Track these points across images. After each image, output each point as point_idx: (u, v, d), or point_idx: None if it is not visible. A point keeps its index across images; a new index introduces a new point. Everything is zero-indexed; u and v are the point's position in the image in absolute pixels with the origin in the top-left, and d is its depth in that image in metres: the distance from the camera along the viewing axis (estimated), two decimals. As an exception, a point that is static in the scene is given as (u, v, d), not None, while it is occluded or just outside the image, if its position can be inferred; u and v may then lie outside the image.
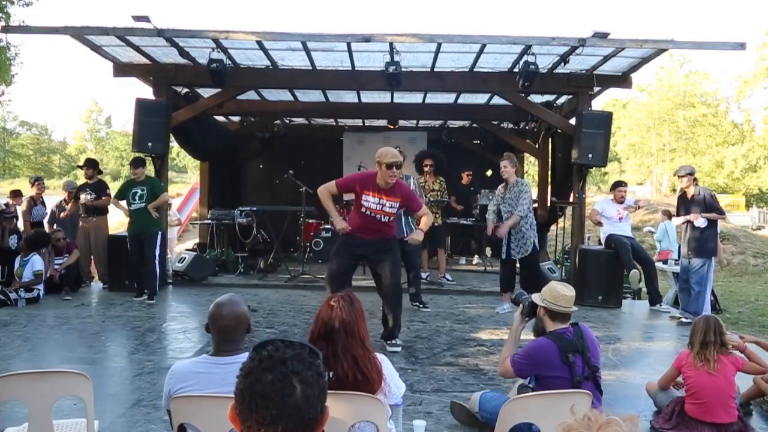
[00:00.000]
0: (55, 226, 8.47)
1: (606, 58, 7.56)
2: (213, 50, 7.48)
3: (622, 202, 7.62)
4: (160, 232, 7.48)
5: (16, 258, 7.45)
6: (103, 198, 8.19)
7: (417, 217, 5.45)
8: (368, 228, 5.10)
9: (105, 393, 4.04)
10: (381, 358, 2.53)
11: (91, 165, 8.49)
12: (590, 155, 7.79)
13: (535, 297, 3.34)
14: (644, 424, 3.72)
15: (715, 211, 6.63)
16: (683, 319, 6.56)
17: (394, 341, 5.30)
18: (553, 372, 3.07)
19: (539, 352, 3.16)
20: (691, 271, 6.66)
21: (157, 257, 7.36)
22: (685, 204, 6.84)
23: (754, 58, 30.57)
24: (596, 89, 8.43)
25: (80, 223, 8.30)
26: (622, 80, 8.32)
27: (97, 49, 7.73)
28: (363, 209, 5.06)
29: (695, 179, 6.89)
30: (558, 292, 3.19)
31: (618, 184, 7.94)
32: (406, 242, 6.73)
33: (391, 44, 7.25)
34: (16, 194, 8.76)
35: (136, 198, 7.31)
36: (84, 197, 8.06)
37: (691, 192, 6.74)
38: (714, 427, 3.45)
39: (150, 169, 8.22)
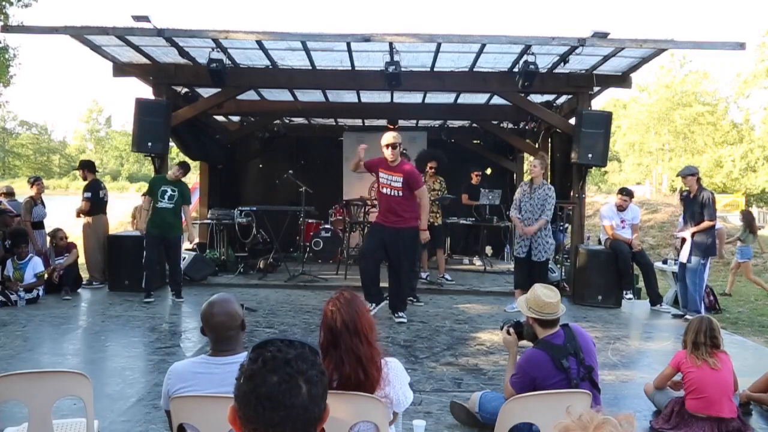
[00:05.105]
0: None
1: (606, 58, 7.56)
2: (213, 50, 7.47)
3: (622, 210, 7.61)
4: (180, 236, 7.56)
5: (8, 260, 7.16)
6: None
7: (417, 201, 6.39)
8: (387, 209, 6.32)
9: (105, 393, 4.05)
10: (395, 364, 2.48)
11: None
12: (590, 155, 7.79)
13: (521, 303, 3.30)
14: (644, 424, 3.72)
15: (708, 213, 6.79)
16: (687, 316, 6.62)
17: (399, 314, 6.39)
18: (550, 380, 3.05)
19: (531, 363, 3.13)
20: (689, 270, 6.93)
21: (181, 259, 7.54)
22: (688, 203, 7.08)
23: (754, 58, 30.56)
24: (596, 89, 8.42)
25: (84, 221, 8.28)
26: (621, 80, 8.31)
27: (96, 49, 7.72)
28: (380, 187, 6.39)
29: (698, 179, 7.04)
30: (543, 301, 3.15)
31: (621, 191, 7.85)
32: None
33: (390, 44, 7.25)
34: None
35: (165, 197, 7.19)
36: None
37: (694, 192, 6.96)
38: (714, 422, 3.46)
39: (150, 169, 8.23)
